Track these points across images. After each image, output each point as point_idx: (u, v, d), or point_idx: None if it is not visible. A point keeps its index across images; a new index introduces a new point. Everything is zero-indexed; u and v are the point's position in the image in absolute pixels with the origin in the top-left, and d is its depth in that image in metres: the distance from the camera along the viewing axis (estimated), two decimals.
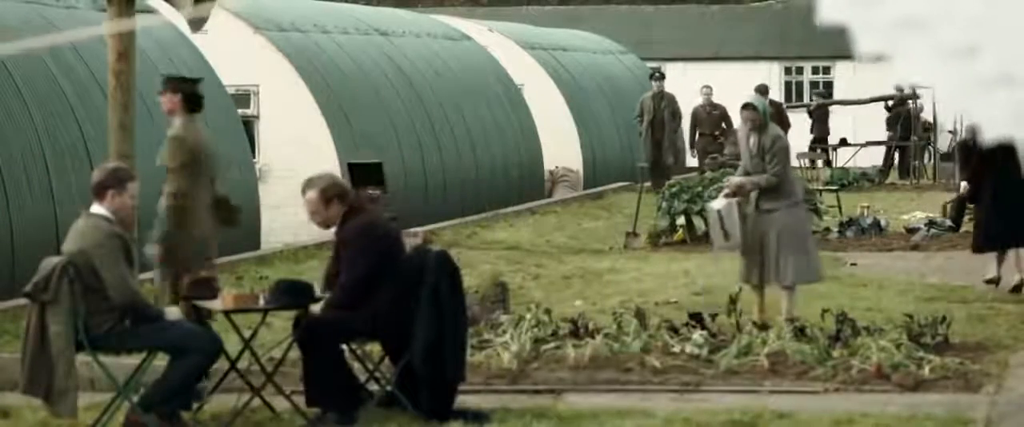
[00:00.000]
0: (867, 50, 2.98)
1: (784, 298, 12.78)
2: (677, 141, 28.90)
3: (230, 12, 21.63)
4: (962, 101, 2.98)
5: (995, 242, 15.43)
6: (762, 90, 27.00)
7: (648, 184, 24.37)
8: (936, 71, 2.95)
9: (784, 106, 29.19)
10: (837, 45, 39.35)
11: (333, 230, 9.83)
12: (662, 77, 29.34)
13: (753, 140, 12.92)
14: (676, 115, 28.64)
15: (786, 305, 12.73)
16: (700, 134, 28.90)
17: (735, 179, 13.10)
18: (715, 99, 29.08)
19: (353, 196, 10.13)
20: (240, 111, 20.76)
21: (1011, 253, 15.39)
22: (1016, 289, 15.12)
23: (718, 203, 13.08)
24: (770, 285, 12.87)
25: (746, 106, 13.07)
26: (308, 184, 9.81)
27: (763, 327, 12.16)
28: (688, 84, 33.62)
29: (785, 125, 27.72)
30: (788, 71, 43.82)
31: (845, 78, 42.37)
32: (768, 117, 13.13)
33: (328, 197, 9.69)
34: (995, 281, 15.40)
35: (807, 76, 43.75)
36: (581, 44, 35.91)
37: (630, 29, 44.24)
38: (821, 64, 43.36)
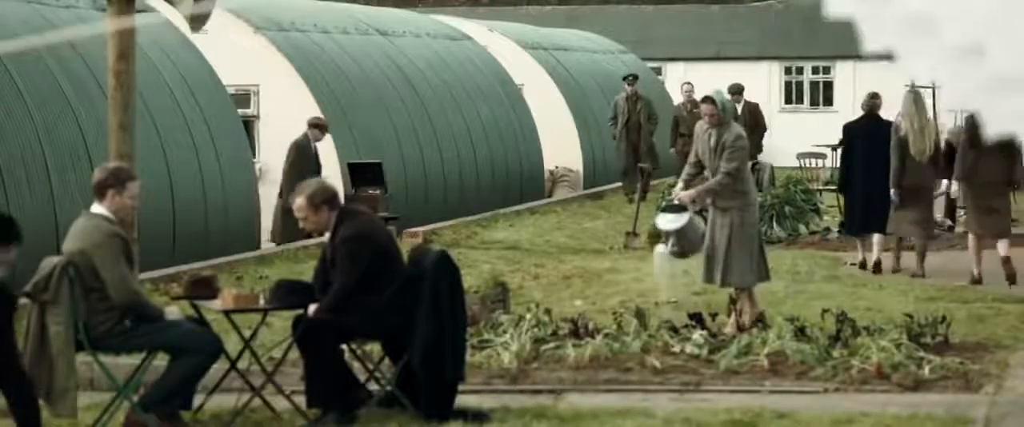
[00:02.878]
0: (874, 47, 2.97)
1: (741, 300, 12.73)
2: (655, 145, 28.13)
3: (230, 12, 21.62)
4: (968, 99, 2.98)
5: (859, 229, 17.32)
6: (736, 89, 26.16)
7: (628, 188, 24.11)
8: (943, 70, 2.94)
9: (759, 107, 28.51)
10: (837, 45, 39.40)
11: (327, 235, 9.80)
12: (636, 79, 28.79)
13: (714, 137, 12.65)
14: (652, 118, 27.96)
15: (746, 306, 12.67)
16: (680, 134, 26.89)
17: (686, 193, 12.71)
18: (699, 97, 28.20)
19: (343, 200, 10.08)
20: (240, 111, 20.76)
21: (875, 236, 17.06)
22: (873, 268, 16.81)
23: (669, 222, 12.78)
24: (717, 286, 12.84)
25: (705, 99, 12.73)
26: (296, 191, 9.81)
27: (743, 329, 12.22)
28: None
29: (761, 127, 27.40)
30: (788, 71, 43.79)
31: (845, 78, 42.35)
32: (728, 114, 12.77)
33: (316, 203, 9.67)
34: (862, 264, 17.07)
35: (807, 76, 43.71)
36: (581, 44, 35.89)
37: (630, 29, 44.24)
38: (821, 64, 43.33)
